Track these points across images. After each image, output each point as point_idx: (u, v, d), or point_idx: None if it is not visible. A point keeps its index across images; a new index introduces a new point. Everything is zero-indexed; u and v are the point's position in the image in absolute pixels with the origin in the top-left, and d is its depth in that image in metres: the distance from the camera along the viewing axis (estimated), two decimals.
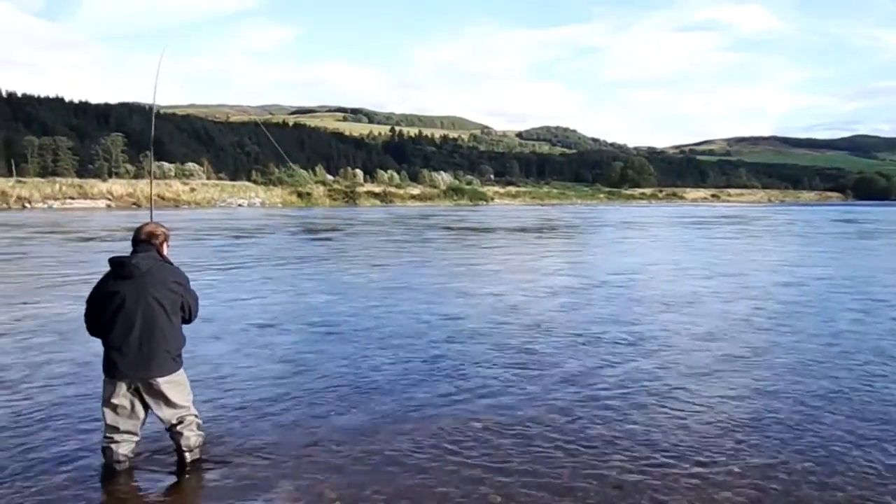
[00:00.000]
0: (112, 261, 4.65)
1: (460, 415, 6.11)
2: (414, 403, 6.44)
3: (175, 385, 4.67)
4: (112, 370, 4.54)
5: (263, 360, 8.01)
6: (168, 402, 4.64)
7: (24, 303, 11.98)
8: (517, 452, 5.24)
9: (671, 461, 5.07)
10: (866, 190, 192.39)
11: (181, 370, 4.75)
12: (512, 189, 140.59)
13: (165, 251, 4.85)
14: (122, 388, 4.55)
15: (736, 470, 4.93)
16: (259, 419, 5.91)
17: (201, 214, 54.87)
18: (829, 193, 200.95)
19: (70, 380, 7.08)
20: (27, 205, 64.18)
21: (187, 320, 4.84)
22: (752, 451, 5.29)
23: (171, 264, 4.80)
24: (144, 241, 4.75)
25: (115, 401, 4.56)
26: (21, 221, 41.01)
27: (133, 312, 4.50)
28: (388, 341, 9.08)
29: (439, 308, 11.75)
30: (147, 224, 4.87)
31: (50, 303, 11.88)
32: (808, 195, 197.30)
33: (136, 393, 4.59)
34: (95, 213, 57.45)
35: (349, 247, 26.05)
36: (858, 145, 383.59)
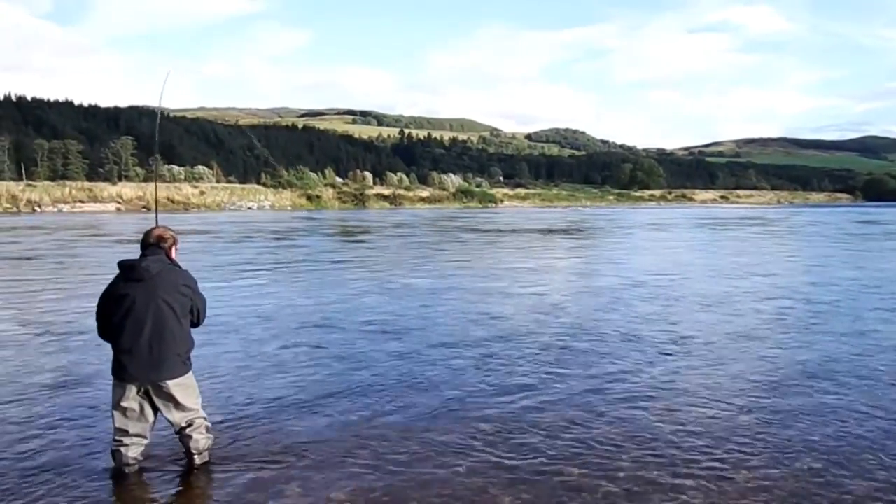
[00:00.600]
0: (122, 264, 4.66)
1: (498, 414, 6.10)
2: (446, 402, 6.43)
3: (184, 388, 4.67)
4: (122, 373, 4.55)
5: (319, 358, 8.18)
6: (177, 405, 4.63)
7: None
8: (550, 453, 5.19)
9: (719, 464, 5.02)
10: (876, 191, 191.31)
11: (190, 373, 4.75)
12: (521, 191, 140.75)
13: (174, 255, 4.87)
14: (132, 391, 4.56)
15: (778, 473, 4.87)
16: (291, 417, 5.91)
17: (224, 217, 55.18)
18: (839, 195, 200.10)
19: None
20: (37, 208, 64.51)
21: (195, 323, 4.84)
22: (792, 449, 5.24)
23: (180, 267, 4.81)
24: (154, 244, 4.76)
25: (124, 404, 4.57)
26: (55, 224, 41.22)
27: (143, 315, 4.51)
28: (438, 340, 9.29)
29: (485, 308, 11.98)
30: (156, 228, 4.88)
31: None
32: (817, 196, 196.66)
33: (146, 396, 4.60)
34: (105, 216, 57.60)
35: (388, 248, 26.63)
36: (868, 146, 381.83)
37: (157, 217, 5.70)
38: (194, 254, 22.38)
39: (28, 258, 21.41)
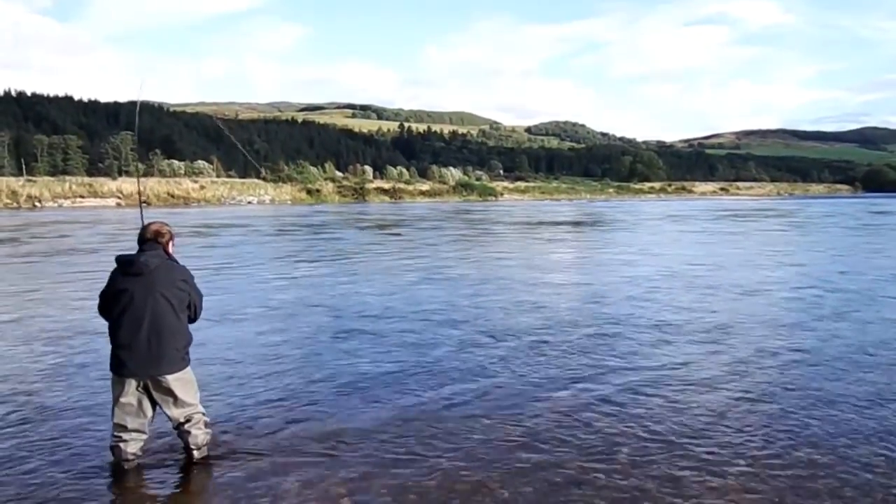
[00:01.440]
0: (120, 259, 4.69)
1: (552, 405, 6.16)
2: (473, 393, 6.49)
3: (183, 382, 4.70)
4: (121, 368, 4.57)
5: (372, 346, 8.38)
6: (176, 400, 4.66)
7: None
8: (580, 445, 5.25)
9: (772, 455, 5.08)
10: (876, 182, 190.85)
11: (189, 368, 4.78)
12: (521, 184, 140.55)
13: (171, 249, 4.91)
14: (131, 386, 4.58)
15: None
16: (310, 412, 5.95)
17: (233, 212, 55.13)
18: (839, 186, 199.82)
19: None
20: (37, 204, 64.47)
21: (192, 318, 4.87)
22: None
23: (177, 262, 4.85)
24: (151, 239, 4.79)
25: (123, 399, 4.59)
26: (80, 218, 41.19)
27: (142, 310, 4.54)
28: (490, 328, 9.60)
29: (533, 297, 12.30)
30: (153, 223, 4.91)
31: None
32: (817, 188, 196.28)
33: (145, 391, 4.62)
34: (107, 211, 57.67)
35: (427, 240, 27.11)
36: (868, 138, 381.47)
37: (142, 215, 5.59)
38: (245, 245, 24.03)
39: (95, 251, 21.35)
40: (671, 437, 5.44)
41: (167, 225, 4.95)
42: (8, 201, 63.66)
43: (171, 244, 4.91)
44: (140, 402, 4.62)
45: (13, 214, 50.80)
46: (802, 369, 7.43)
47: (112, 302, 4.64)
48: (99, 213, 52.01)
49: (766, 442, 5.36)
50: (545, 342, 8.71)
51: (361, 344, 8.67)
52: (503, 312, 10.87)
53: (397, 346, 8.51)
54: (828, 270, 16.28)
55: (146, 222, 4.94)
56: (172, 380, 4.61)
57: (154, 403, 4.68)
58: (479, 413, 6.03)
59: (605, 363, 7.70)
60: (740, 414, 6.01)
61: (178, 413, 4.70)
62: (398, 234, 30.86)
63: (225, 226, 35.96)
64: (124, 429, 4.64)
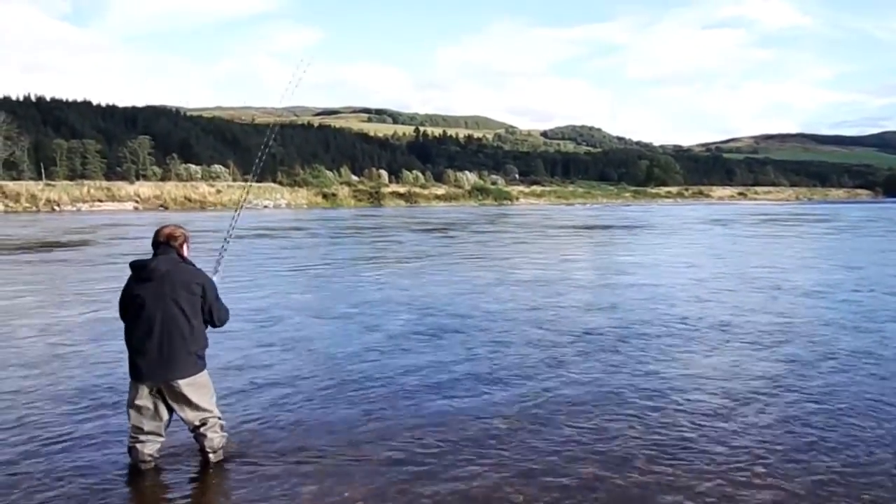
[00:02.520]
0: (132, 264, 4.67)
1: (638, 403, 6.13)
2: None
3: (197, 387, 4.66)
4: (135, 372, 4.57)
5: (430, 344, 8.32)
6: (190, 404, 4.64)
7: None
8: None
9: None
10: None
11: (204, 372, 4.73)
12: (537, 188, 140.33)
13: (186, 252, 4.84)
14: (145, 390, 4.58)
15: None
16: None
17: (280, 216, 55.38)
18: (858, 191, 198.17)
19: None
20: (56, 208, 64.99)
21: (213, 324, 4.78)
22: None
23: (193, 265, 4.78)
24: (164, 243, 4.73)
25: (138, 402, 4.59)
26: (142, 221, 41.48)
27: (153, 315, 4.51)
28: (567, 329, 9.88)
29: (605, 298, 12.80)
30: (166, 226, 4.86)
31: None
32: (836, 192, 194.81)
33: (159, 395, 4.61)
34: (125, 215, 58.01)
35: (487, 243, 28.07)
36: (888, 142, 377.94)
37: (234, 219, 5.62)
38: (316, 248, 25.58)
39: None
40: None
41: (181, 228, 4.89)
42: (27, 205, 64.27)
43: (185, 247, 4.83)
44: (155, 406, 4.62)
45: (32, 219, 51.19)
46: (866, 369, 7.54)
47: (126, 307, 4.64)
48: (132, 216, 52.36)
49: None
50: (624, 342, 8.97)
51: (447, 343, 8.95)
52: (580, 312, 11.23)
53: (466, 348, 8.67)
54: (885, 274, 16.63)
55: (160, 226, 4.89)
56: (184, 385, 4.57)
57: (170, 407, 4.66)
58: (544, 413, 6.02)
59: (681, 363, 7.88)
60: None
61: (192, 417, 4.69)
62: (452, 237, 32.15)
63: (284, 229, 36.91)
64: (140, 430, 4.65)
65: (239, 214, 6.04)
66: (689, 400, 6.48)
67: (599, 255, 23.00)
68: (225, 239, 5.68)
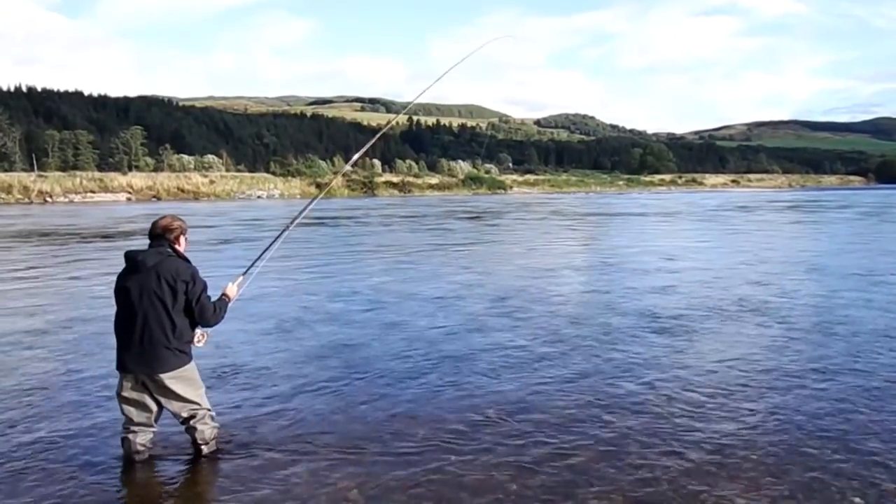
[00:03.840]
0: (125, 255, 4.67)
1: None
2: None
3: (182, 380, 4.63)
4: (120, 364, 4.59)
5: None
6: (176, 397, 4.63)
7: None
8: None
9: None
10: (890, 173, 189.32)
11: (189, 365, 4.69)
12: (530, 177, 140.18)
13: (182, 245, 4.80)
14: (130, 381, 4.58)
15: None
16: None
17: (261, 206, 55.39)
18: (851, 177, 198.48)
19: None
20: (48, 199, 64.72)
21: (202, 319, 4.68)
22: None
23: (186, 260, 4.73)
24: (159, 235, 4.71)
25: (124, 394, 4.60)
26: (177, 210, 42.06)
27: (136, 307, 4.50)
28: (622, 310, 10.34)
29: (653, 282, 13.26)
30: (163, 218, 4.81)
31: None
32: (829, 179, 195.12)
33: (144, 387, 4.60)
34: (117, 206, 57.82)
35: (529, 229, 29.55)
36: (880, 128, 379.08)
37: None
38: (373, 235, 26.84)
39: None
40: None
41: (179, 220, 4.83)
42: (20, 196, 63.96)
43: (181, 239, 4.79)
44: (142, 398, 4.62)
45: (25, 210, 50.98)
46: None
47: (116, 298, 4.65)
48: (138, 207, 52.19)
49: None
50: (685, 325, 9.26)
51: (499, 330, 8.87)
52: (647, 295, 11.63)
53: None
54: None
55: (159, 217, 4.84)
56: (167, 378, 4.55)
57: (157, 399, 4.65)
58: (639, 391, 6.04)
59: (746, 343, 8.17)
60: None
61: (178, 408, 4.68)
62: (495, 224, 33.45)
63: (332, 217, 37.64)
64: (131, 422, 4.66)
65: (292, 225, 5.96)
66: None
67: (648, 241, 23.33)
68: (269, 245, 5.47)
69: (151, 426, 4.73)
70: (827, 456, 4.88)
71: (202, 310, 4.63)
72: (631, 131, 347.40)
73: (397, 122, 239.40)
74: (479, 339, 8.58)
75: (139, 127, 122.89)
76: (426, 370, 7.16)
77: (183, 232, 4.81)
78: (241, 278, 5.17)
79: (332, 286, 13.03)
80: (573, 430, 5.43)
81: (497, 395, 6.34)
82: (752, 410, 5.84)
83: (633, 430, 5.41)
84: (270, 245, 5.46)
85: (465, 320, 9.76)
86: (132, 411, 4.62)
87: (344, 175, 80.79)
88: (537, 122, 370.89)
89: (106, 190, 70.88)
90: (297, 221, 5.82)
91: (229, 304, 4.93)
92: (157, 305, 4.49)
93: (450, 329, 9.18)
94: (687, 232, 27.79)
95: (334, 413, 5.85)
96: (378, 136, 8.20)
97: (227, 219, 37.39)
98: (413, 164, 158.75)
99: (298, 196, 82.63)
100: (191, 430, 4.79)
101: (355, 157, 7.65)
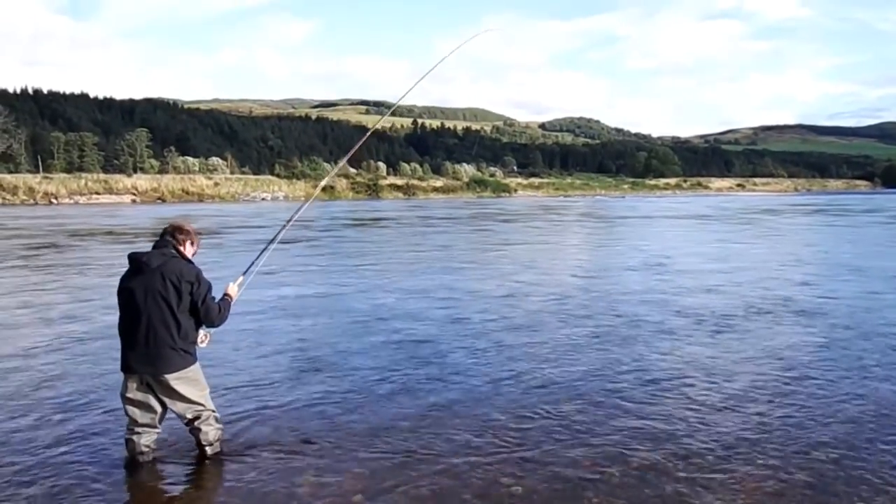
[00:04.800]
0: (129, 256, 4.66)
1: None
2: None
3: (186, 381, 4.62)
4: (124, 365, 4.58)
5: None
6: (181, 398, 4.62)
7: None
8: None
9: None
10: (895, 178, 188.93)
11: (194, 366, 4.69)
12: (535, 181, 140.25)
13: (189, 250, 4.79)
14: (135, 382, 4.57)
15: None
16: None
17: (334, 208, 55.72)
18: (857, 182, 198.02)
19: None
20: (54, 200, 64.88)
21: (206, 321, 4.68)
22: None
23: (190, 262, 4.72)
24: (169, 234, 4.74)
25: (129, 395, 4.59)
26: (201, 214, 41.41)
27: (141, 308, 4.49)
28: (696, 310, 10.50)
29: (706, 281, 13.63)
30: (175, 221, 4.88)
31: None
32: (835, 183, 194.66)
33: (149, 388, 4.59)
34: (123, 207, 57.93)
35: (568, 232, 30.57)
36: (886, 132, 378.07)
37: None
38: (416, 236, 27.45)
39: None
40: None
41: (189, 226, 4.87)
42: (25, 198, 64.14)
43: (188, 243, 4.79)
44: (146, 399, 4.61)
45: (31, 211, 51.06)
46: None
47: (119, 299, 4.64)
48: (144, 209, 52.28)
49: None
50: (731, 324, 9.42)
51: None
52: (699, 295, 11.96)
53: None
54: None
55: (169, 222, 4.88)
56: (172, 379, 4.55)
57: (161, 400, 4.64)
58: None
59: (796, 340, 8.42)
60: None
61: (182, 409, 4.67)
62: (535, 227, 34.24)
63: (373, 219, 38.61)
64: (135, 423, 4.66)
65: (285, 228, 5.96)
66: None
67: (686, 243, 23.89)
68: (266, 247, 5.55)
69: (156, 427, 4.72)
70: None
71: (208, 310, 4.63)
72: (636, 135, 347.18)
73: (402, 126, 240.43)
74: (560, 337, 8.61)
75: (144, 129, 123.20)
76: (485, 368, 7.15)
77: (191, 239, 4.82)
78: (241, 278, 5.19)
79: (407, 284, 13.68)
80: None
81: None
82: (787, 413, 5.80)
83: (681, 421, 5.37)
84: (267, 246, 5.52)
85: (533, 319, 9.84)
86: (136, 412, 4.61)
87: (348, 177, 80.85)
88: (542, 126, 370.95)
89: (111, 192, 71.08)
90: (292, 222, 5.93)
91: (232, 304, 4.95)
92: (161, 306, 4.49)
93: (514, 324, 9.47)
94: (726, 234, 28.40)
95: (341, 416, 5.81)
96: (368, 133, 8.38)
97: (267, 219, 38.19)
98: (417, 166, 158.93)
99: (303, 198, 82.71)
100: (195, 431, 4.78)
101: (347, 156, 8.02)
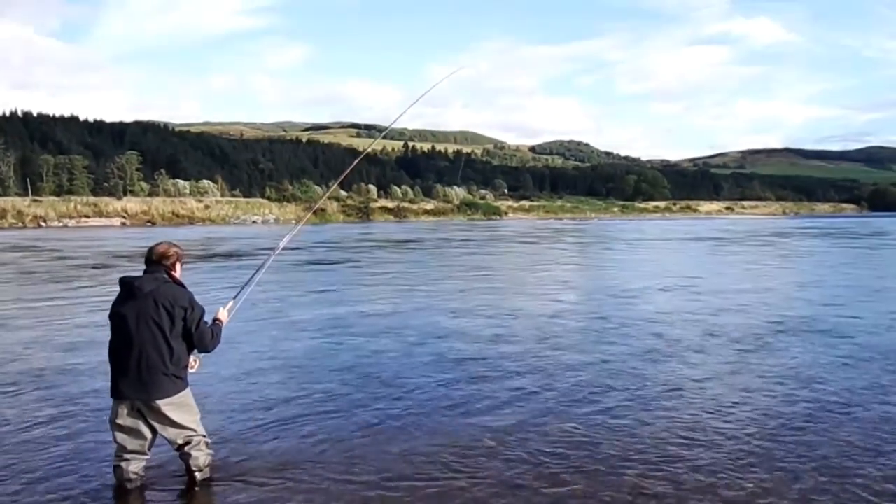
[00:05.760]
0: (120, 281, 4.63)
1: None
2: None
3: (178, 406, 4.58)
4: (115, 390, 4.53)
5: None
6: (172, 424, 4.57)
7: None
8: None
9: None
10: (882, 202, 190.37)
11: (185, 391, 4.65)
12: (525, 203, 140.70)
13: (178, 272, 4.77)
14: (125, 408, 4.52)
15: None
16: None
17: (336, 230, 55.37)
18: (844, 205, 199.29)
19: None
20: (42, 223, 64.62)
21: (199, 346, 4.67)
22: None
23: (182, 286, 4.69)
24: (156, 261, 4.67)
25: (119, 421, 4.54)
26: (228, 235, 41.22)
27: (133, 333, 4.45)
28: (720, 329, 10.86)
29: (740, 301, 14.08)
30: (159, 244, 4.78)
31: None
32: (822, 207, 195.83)
33: (139, 414, 4.54)
34: (112, 231, 57.73)
35: (594, 254, 31.62)
36: (872, 157, 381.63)
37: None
38: (449, 258, 28.70)
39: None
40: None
41: (175, 246, 4.81)
42: (14, 221, 63.86)
43: (177, 266, 4.77)
44: (137, 425, 4.55)
45: (21, 235, 50.81)
46: None
47: (111, 324, 4.60)
48: (133, 232, 52.10)
49: None
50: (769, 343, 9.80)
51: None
52: (729, 314, 12.30)
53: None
54: None
55: (154, 244, 4.81)
56: (164, 405, 4.50)
57: (151, 426, 4.59)
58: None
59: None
60: None
61: (174, 435, 4.62)
62: (561, 249, 35.10)
63: (399, 242, 39.12)
64: (124, 449, 4.60)
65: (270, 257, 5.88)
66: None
67: (721, 265, 24.90)
68: (255, 272, 5.56)
69: (145, 454, 4.67)
70: None
71: (201, 335, 4.61)
72: (626, 158, 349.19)
73: (393, 149, 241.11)
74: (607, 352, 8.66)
75: (135, 152, 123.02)
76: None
77: (179, 259, 4.79)
78: (231, 303, 5.18)
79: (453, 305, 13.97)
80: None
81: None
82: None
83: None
84: (257, 272, 5.54)
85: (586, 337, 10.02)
86: (126, 439, 4.56)
87: (339, 200, 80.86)
88: (532, 149, 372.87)
89: (101, 214, 70.87)
90: (281, 247, 5.94)
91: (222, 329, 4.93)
92: (154, 331, 4.45)
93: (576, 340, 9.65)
94: (748, 255, 29.20)
95: (332, 440, 5.78)
96: (361, 156, 8.70)
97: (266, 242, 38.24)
98: (408, 189, 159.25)
99: (293, 221, 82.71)
100: (185, 457, 4.72)
101: (339, 178, 8.75)
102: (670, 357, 8.90)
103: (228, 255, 28.74)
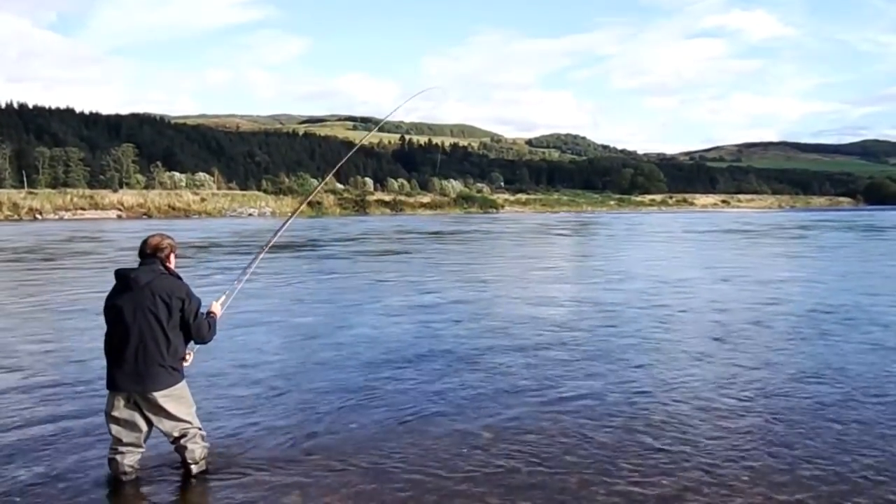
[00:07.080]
0: (116, 273, 4.63)
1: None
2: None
3: (174, 399, 4.60)
4: (111, 383, 4.54)
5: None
6: (168, 416, 4.59)
7: None
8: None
9: None
10: (878, 195, 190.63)
11: (181, 383, 4.67)
12: (522, 196, 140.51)
13: (172, 263, 4.79)
14: (121, 401, 4.53)
15: None
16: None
17: (338, 224, 55.35)
18: (840, 199, 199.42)
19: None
20: (38, 216, 64.41)
21: (196, 337, 4.70)
22: None
23: (178, 277, 4.72)
24: (150, 254, 4.69)
25: (115, 413, 4.55)
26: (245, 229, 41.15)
27: (129, 325, 4.47)
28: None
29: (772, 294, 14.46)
30: (153, 236, 4.80)
31: None
32: (818, 200, 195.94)
33: (136, 406, 4.56)
34: (109, 223, 57.61)
35: (628, 246, 31.45)
36: (868, 150, 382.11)
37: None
38: (493, 249, 29.42)
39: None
40: None
41: (168, 238, 4.82)
42: (9, 213, 63.63)
43: (171, 257, 4.79)
44: (133, 417, 4.57)
45: (17, 227, 50.70)
46: None
47: (107, 317, 4.61)
48: (116, 225, 51.98)
49: None
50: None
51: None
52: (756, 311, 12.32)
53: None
54: None
55: (148, 236, 4.82)
56: (160, 396, 4.52)
57: (147, 419, 4.60)
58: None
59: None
60: None
61: (170, 427, 4.63)
62: (594, 241, 35.94)
63: (416, 236, 38.89)
64: (120, 442, 4.60)
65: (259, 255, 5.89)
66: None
67: (762, 257, 25.16)
68: (244, 270, 5.60)
69: (140, 447, 4.68)
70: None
71: (199, 327, 4.65)
72: (622, 151, 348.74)
73: (389, 142, 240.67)
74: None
75: (131, 144, 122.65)
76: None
77: (173, 250, 4.81)
78: (223, 297, 5.20)
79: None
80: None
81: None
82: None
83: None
84: (250, 264, 5.60)
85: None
86: (122, 431, 4.57)
87: (335, 193, 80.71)
88: (529, 142, 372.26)
89: (96, 207, 70.57)
90: (273, 241, 6.02)
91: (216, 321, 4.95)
92: (152, 323, 4.47)
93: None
94: (785, 248, 29.92)
95: (327, 433, 5.79)
96: (355, 147, 8.94)
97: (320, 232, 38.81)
98: (405, 182, 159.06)
99: (289, 213, 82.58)
100: (181, 449, 4.73)
101: (333, 170, 8.69)
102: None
103: (219, 247, 28.73)
